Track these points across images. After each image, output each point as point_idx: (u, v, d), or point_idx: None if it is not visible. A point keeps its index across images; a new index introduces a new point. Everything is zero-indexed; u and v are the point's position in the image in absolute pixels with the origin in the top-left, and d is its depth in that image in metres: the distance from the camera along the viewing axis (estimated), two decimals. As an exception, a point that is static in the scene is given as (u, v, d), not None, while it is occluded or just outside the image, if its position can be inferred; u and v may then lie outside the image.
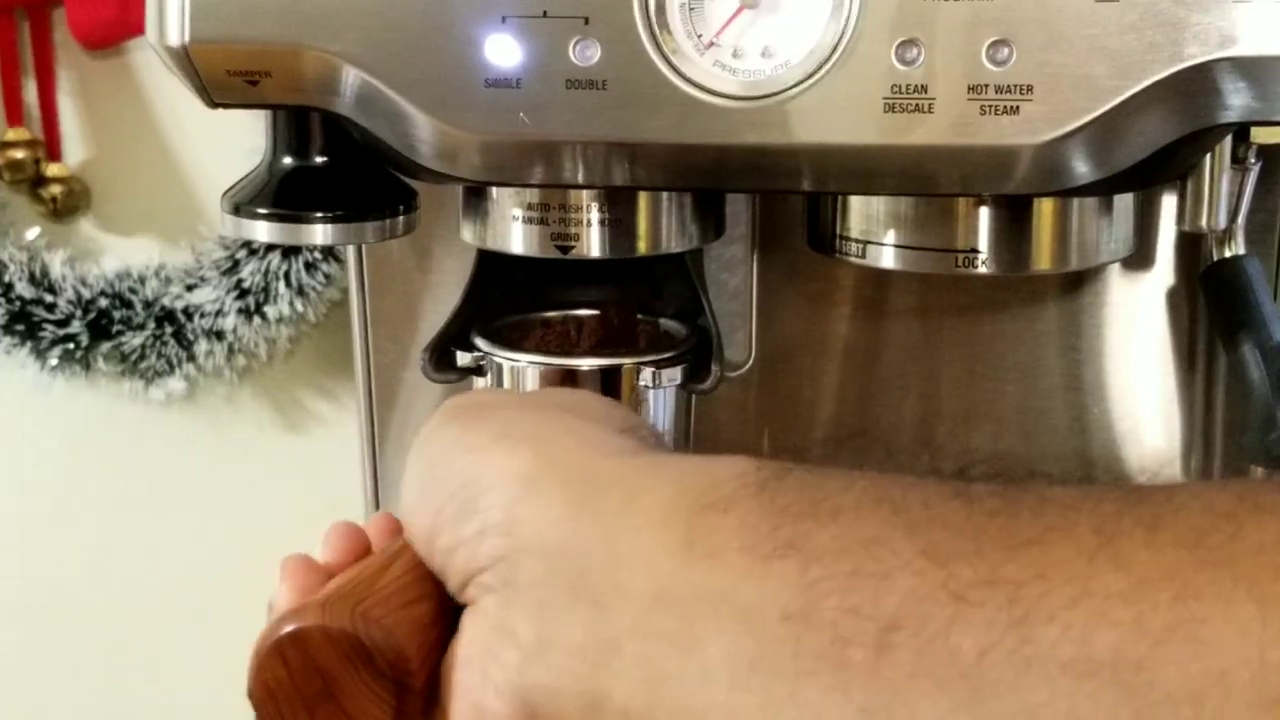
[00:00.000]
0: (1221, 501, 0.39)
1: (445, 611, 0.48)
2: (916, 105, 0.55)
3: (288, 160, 0.61)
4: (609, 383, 0.67)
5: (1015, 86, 0.55)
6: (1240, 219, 0.63)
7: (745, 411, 0.76)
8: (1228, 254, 0.64)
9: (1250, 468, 0.69)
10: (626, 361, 0.67)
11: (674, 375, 0.67)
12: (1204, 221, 0.62)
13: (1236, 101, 0.55)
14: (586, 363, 0.67)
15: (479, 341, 0.69)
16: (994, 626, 0.38)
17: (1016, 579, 0.39)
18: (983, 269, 0.63)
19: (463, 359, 0.68)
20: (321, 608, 0.46)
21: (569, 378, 0.67)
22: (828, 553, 0.41)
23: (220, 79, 0.57)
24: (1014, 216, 0.62)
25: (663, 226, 0.66)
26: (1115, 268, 0.71)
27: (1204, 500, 0.40)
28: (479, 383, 0.68)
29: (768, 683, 0.41)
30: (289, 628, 0.45)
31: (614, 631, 0.43)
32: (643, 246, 0.65)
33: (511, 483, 0.47)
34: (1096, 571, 0.38)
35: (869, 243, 0.64)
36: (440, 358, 0.68)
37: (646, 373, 0.67)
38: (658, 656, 0.42)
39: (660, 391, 0.67)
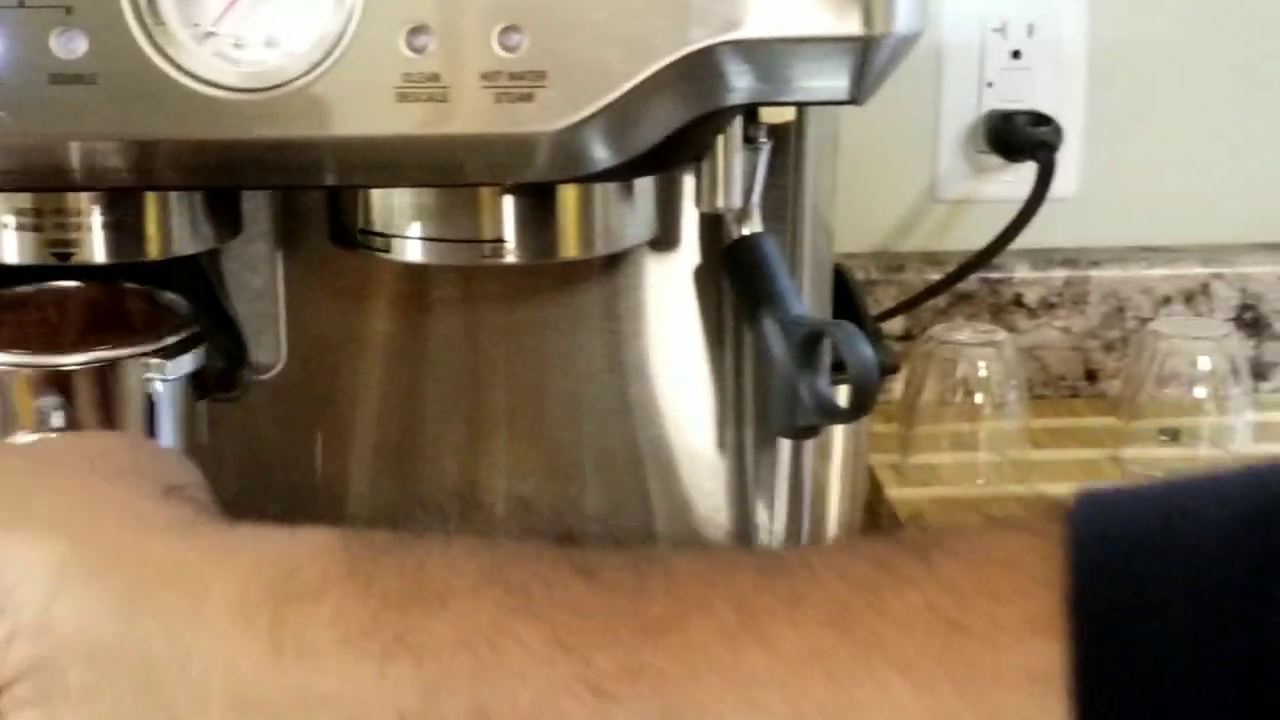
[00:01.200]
0: (858, 570, 0.38)
1: None
2: (430, 94, 0.54)
3: None
4: (106, 379, 0.59)
5: (528, 73, 0.54)
6: (755, 198, 0.65)
7: (283, 417, 0.73)
8: (745, 233, 0.66)
9: (777, 439, 0.72)
10: (131, 352, 0.59)
11: (188, 362, 0.61)
12: (720, 202, 0.63)
13: (742, 83, 0.56)
14: (77, 359, 0.59)
15: None
16: None
17: (659, 666, 0.37)
18: (510, 259, 0.62)
19: None
20: None
21: (58, 380, 0.58)
22: (444, 646, 0.37)
23: None
24: (538, 204, 0.62)
25: (173, 227, 0.62)
26: (647, 250, 0.72)
27: (840, 569, 0.38)
28: None
29: None
30: None
31: None
32: (152, 250, 0.61)
33: (41, 576, 0.40)
34: (742, 655, 0.37)
35: (393, 236, 0.62)
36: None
37: (156, 364, 0.59)
38: None
39: (169, 385, 0.60)
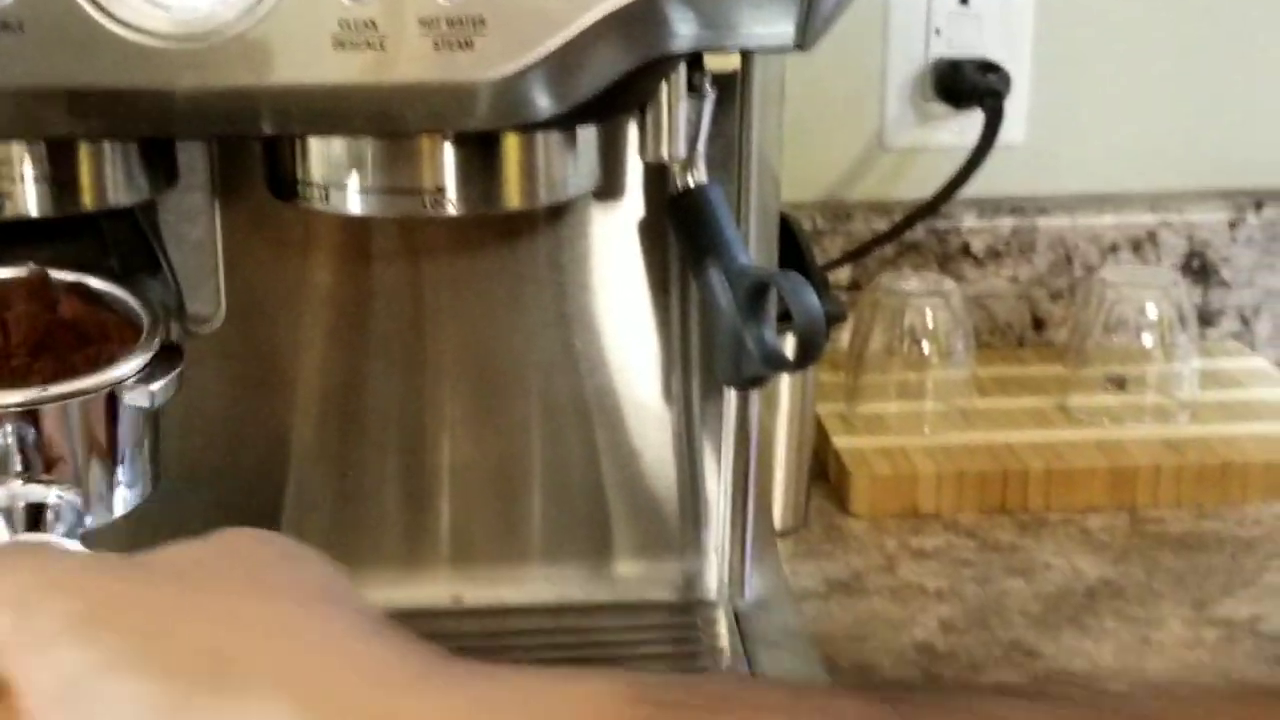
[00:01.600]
0: None
1: None
2: (367, 42, 0.53)
3: None
4: (78, 411, 0.53)
5: (467, 20, 0.53)
6: (700, 147, 0.64)
7: (223, 370, 0.72)
8: (691, 183, 0.65)
9: (724, 389, 0.71)
10: (111, 379, 0.53)
11: (172, 385, 0.55)
12: (665, 151, 0.63)
13: (686, 30, 0.56)
14: (51, 391, 0.52)
15: None
16: None
17: None
18: (451, 209, 0.61)
19: None
20: None
21: (24, 417, 0.51)
22: None
23: None
24: (479, 154, 0.61)
25: (107, 178, 0.61)
26: (592, 201, 0.71)
27: None
28: None
29: None
30: None
31: None
32: (86, 201, 0.60)
33: None
34: None
35: (331, 187, 0.61)
36: None
37: (138, 389, 0.54)
38: None
39: (144, 410, 0.55)
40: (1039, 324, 1.15)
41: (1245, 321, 1.17)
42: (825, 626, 0.83)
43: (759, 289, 0.63)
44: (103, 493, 0.56)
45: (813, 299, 0.60)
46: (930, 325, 0.98)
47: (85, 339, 0.57)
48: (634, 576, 0.76)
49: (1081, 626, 0.83)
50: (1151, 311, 1.01)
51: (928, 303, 0.99)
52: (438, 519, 0.75)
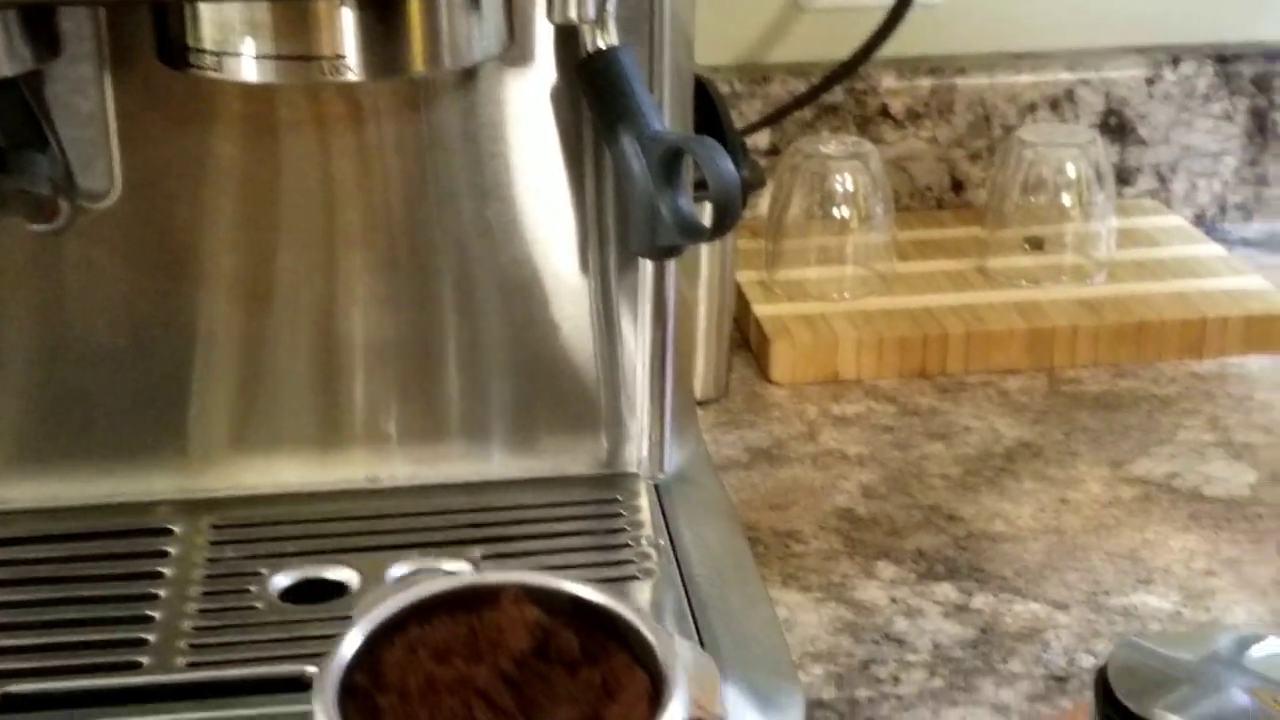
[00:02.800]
0: None
1: None
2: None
3: None
4: None
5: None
6: (610, 7, 0.62)
7: (122, 248, 0.70)
8: (601, 45, 0.63)
9: (640, 259, 0.70)
10: None
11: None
12: (574, 12, 0.60)
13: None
14: None
15: None
16: None
17: None
18: (351, 76, 0.59)
19: None
20: None
21: None
22: None
23: None
24: (380, 18, 0.59)
25: (-13, 49, 0.58)
26: (502, 67, 0.69)
27: None
28: None
29: None
30: None
31: None
32: (-34, 73, 0.58)
33: None
34: None
35: (225, 54, 0.59)
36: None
37: None
38: None
39: None
40: (958, 186, 1.14)
41: (1162, 179, 1.17)
42: (747, 495, 0.83)
43: (673, 155, 0.62)
44: None
45: (728, 165, 0.58)
46: (849, 189, 0.97)
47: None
48: (553, 451, 0.75)
49: (1000, 488, 0.83)
50: (1070, 170, 1.00)
51: (847, 166, 0.97)
52: (351, 398, 0.73)
